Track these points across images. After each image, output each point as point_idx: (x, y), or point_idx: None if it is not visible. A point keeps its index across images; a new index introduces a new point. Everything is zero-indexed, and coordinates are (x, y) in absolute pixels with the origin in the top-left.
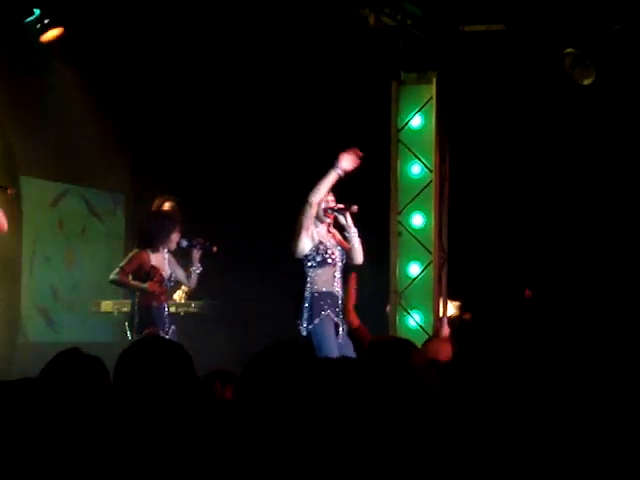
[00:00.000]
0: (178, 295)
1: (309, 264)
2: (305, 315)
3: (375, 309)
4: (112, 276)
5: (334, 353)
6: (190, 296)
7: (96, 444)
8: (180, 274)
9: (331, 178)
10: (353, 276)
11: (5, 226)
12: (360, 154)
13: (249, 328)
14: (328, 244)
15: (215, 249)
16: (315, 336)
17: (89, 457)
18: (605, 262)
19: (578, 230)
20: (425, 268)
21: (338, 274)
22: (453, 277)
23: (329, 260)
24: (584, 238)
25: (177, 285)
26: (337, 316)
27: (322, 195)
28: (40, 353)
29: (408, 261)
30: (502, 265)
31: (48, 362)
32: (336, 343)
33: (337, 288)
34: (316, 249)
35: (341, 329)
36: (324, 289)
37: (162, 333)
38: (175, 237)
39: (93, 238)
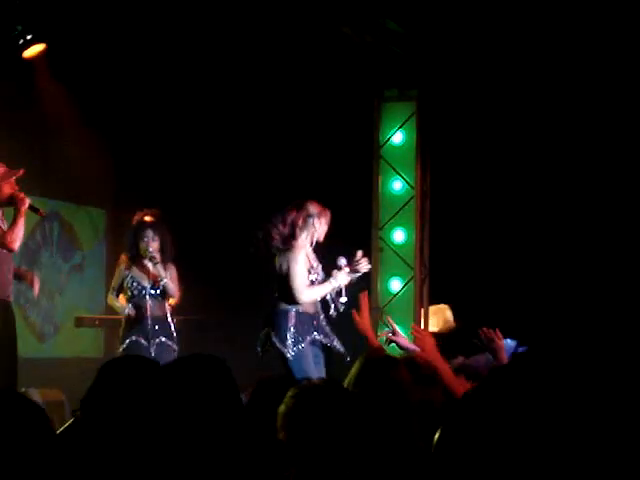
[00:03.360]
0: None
1: None
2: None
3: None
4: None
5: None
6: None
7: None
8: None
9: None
10: (365, 294)
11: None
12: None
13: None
14: None
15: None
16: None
17: None
18: (590, 275)
19: (562, 245)
20: (407, 284)
21: None
22: (434, 293)
23: None
24: (569, 253)
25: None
26: None
27: None
28: None
29: (389, 277)
30: (484, 280)
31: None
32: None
33: None
34: None
35: None
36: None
37: (144, 342)
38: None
39: None
